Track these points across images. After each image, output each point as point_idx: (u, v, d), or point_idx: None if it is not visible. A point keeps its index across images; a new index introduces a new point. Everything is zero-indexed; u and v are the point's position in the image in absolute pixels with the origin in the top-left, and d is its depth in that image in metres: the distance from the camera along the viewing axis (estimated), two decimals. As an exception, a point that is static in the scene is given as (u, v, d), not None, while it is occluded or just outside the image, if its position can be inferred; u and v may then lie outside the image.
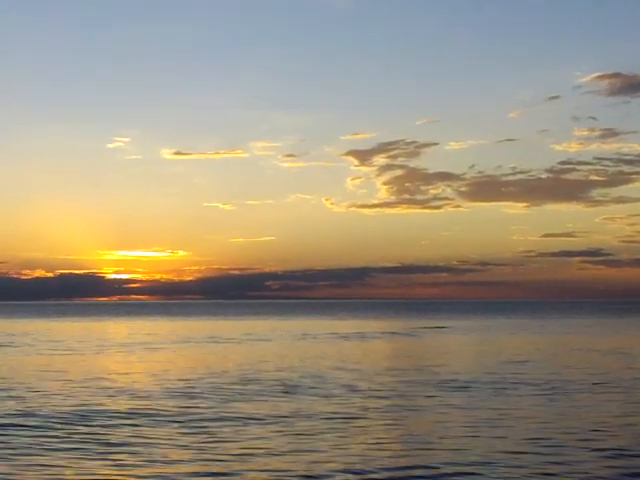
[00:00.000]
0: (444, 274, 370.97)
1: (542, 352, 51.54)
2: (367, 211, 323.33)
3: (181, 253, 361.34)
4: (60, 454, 18.67)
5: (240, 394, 29.23)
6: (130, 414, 24.33)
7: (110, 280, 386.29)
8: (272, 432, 21.45)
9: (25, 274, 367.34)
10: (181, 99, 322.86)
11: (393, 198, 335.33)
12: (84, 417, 23.69)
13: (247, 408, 25.70)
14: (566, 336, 74.37)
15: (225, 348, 56.80)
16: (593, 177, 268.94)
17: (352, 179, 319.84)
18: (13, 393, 29.52)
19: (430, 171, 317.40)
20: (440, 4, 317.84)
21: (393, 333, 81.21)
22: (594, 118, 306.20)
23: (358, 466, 17.32)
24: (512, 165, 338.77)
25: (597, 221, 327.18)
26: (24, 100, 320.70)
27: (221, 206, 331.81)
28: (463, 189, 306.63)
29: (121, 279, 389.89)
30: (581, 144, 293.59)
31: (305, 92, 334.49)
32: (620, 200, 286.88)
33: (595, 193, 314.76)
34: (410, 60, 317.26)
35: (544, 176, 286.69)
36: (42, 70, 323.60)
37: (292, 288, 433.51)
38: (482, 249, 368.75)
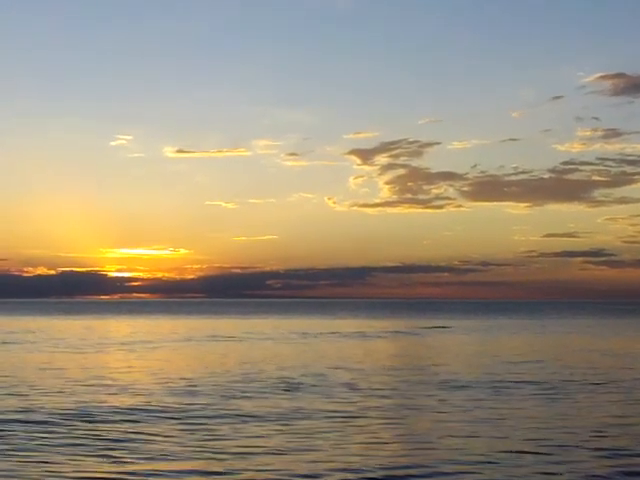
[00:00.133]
0: (446, 274, 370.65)
1: (543, 352, 51.53)
2: (369, 210, 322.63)
3: (183, 251, 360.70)
4: (61, 449, 18.69)
5: (240, 392, 29.24)
6: (131, 411, 24.35)
7: (112, 278, 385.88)
8: (272, 430, 21.46)
9: (27, 271, 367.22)
10: (184, 97, 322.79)
11: (395, 197, 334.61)
12: (85, 414, 23.71)
13: (247, 406, 25.71)
14: (567, 336, 74.38)
15: (226, 347, 56.84)
16: (596, 177, 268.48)
17: (354, 178, 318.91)
18: (14, 390, 29.55)
19: (432, 171, 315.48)
20: (443, 3, 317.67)
21: (394, 332, 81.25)
22: (597, 118, 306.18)
23: (358, 465, 17.32)
24: (514, 165, 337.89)
25: (599, 221, 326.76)
26: (26, 98, 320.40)
27: (223, 204, 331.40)
28: (465, 189, 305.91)
29: (123, 277, 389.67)
30: (584, 144, 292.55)
31: (308, 91, 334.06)
32: (623, 201, 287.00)
33: (598, 193, 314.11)
34: (413, 59, 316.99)
35: (546, 176, 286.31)
36: (44, 69, 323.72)
37: (294, 287, 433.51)
38: (484, 249, 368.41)
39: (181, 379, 33.59)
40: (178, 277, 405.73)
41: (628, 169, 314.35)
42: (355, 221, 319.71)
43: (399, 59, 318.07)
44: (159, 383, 32.18)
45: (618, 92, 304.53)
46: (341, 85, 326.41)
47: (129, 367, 40.01)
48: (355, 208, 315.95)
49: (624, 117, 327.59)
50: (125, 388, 30.41)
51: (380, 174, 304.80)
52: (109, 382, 32.52)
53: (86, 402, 26.30)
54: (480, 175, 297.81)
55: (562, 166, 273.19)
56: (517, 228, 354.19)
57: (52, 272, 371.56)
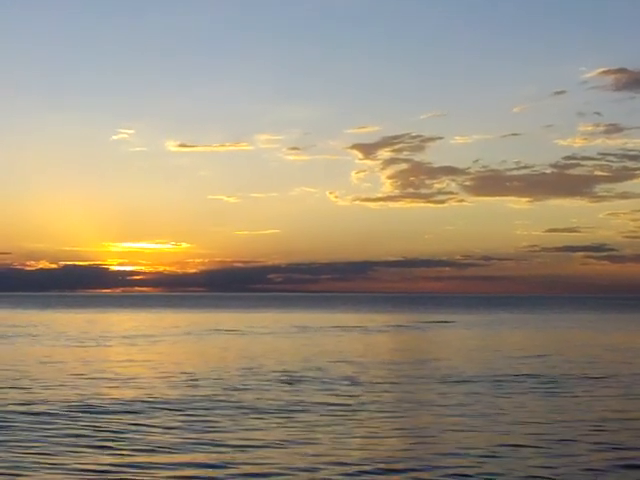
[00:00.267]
0: (447, 268, 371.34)
1: (545, 347, 51.56)
2: (371, 205, 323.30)
3: (185, 245, 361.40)
4: (62, 441, 18.77)
5: (241, 385, 29.32)
6: (132, 404, 24.43)
7: (114, 272, 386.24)
8: (272, 423, 21.53)
9: (29, 265, 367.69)
10: (186, 91, 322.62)
11: (397, 192, 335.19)
12: (86, 406, 23.80)
13: (248, 399, 25.78)
14: (569, 331, 74.40)
15: (227, 340, 56.92)
16: (597, 172, 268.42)
17: (356, 172, 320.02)
18: (17, 383, 29.64)
19: (434, 165, 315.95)
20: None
21: (396, 327, 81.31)
22: (599, 113, 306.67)
23: (358, 458, 17.38)
24: (516, 160, 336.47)
25: (601, 216, 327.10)
26: (28, 93, 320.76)
27: (225, 199, 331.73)
28: (467, 183, 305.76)
29: (125, 271, 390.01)
30: (586, 139, 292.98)
31: (310, 85, 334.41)
32: (624, 196, 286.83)
33: (599, 188, 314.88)
34: (416, 54, 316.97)
35: (548, 171, 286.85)
36: (46, 64, 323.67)
37: (295, 281, 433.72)
38: (486, 244, 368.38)
39: (182, 372, 33.67)
40: (180, 271, 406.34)
41: (630, 164, 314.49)
42: (357, 215, 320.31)
43: (401, 54, 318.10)
44: (160, 376, 32.26)
45: (620, 87, 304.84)
46: (343, 80, 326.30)
47: (130, 360, 40.10)
48: (357, 202, 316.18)
49: (626, 112, 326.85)
50: (126, 381, 30.50)
51: (382, 168, 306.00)
52: (111, 375, 32.61)
53: (87, 395, 26.39)
54: (482, 170, 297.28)
55: (564, 161, 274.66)
56: (519, 223, 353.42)
57: (54, 266, 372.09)
